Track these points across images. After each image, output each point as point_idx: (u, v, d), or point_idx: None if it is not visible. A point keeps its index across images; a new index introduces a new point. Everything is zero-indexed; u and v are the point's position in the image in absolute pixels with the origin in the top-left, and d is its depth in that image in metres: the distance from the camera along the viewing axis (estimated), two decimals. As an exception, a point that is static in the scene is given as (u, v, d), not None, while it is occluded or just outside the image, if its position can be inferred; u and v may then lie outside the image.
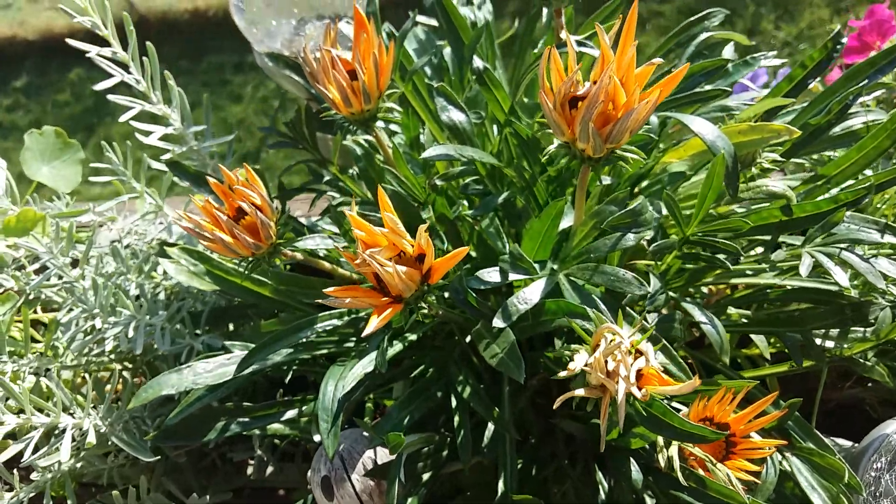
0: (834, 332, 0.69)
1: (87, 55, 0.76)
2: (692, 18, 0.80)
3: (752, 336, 0.75)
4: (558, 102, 0.47)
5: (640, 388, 0.43)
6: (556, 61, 0.47)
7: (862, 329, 0.67)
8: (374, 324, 0.50)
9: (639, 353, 0.45)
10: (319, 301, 0.52)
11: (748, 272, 0.72)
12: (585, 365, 0.43)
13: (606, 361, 0.43)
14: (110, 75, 0.76)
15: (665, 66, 0.80)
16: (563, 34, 0.66)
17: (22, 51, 5.80)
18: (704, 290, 0.84)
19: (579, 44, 0.63)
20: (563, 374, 0.44)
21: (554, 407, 0.43)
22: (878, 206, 0.77)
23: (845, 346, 0.66)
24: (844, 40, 0.74)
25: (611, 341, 0.44)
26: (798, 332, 0.66)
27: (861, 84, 0.74)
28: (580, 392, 0.44)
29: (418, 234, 0.52)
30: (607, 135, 0.47)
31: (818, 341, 0.67)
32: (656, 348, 0.47)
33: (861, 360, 0.67)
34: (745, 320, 0.73)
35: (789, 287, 0.70)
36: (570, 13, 0.77)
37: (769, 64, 0.76)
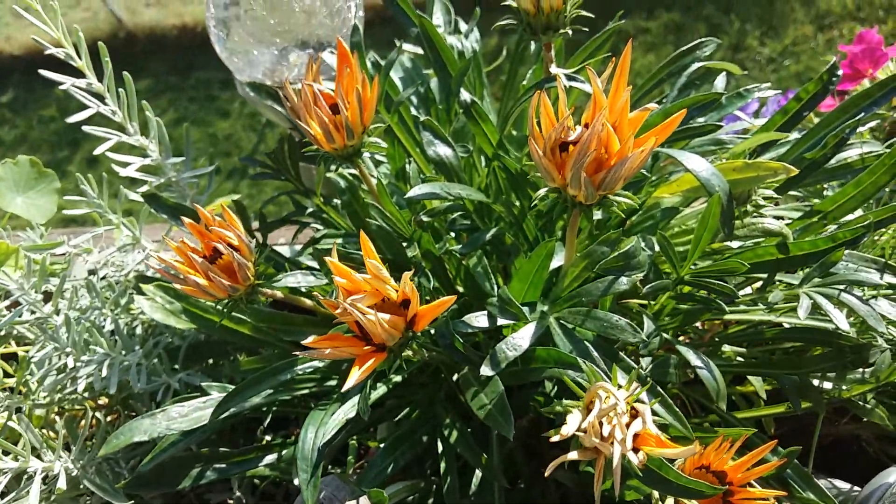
0: (832, 374, 0.66)
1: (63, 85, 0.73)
2: (683, 49, 0.78)
3: (750, 377, 0.73)
4: (548, 148, 0.45)
5: (636, 450, 0.41)
6: (546, 106, 0.45)
7: (860, 370, 0.65)
8: (355, 376, 0.48)
9: (634, 411, 0.43)
10: (297, 353, 0.49)
11: (755, 311, 0.70)
12: (578, 429, 0.41)
13: (601, 424, 0.41)
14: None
15: (657, 98, 0.79)
16: (553, 68, 0.64)
17: (8, 66, 5.75)
18: (699, 325, 0.81)
19: (569, 78, 0.61)
20: (555, 438, 0.41)
21: (546, 474, 0.41)
22: (876, 238, 0.75)
23: (844, 387, 0.64)
24: (840, 73, 0.72)
25: (605, 400, 0.42)
26: (795, 375, 0.64)
27: (857, 117, 0.72)
28: (573, 456, 0.42)
29: (403, 280, 0.50)
30: (600, 182, 0.45)
31: (816, 382, 0.65)
32: (652, 403, 0.45)
33: (860, 403, 0.65)
34: (740, 359, 0.71)
35: (786, 325, 0.68)
36: (560, 44, 0.75)
37: (763, 95, 0.74)
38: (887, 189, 0.68)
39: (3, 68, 5.79)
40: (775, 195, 0.69)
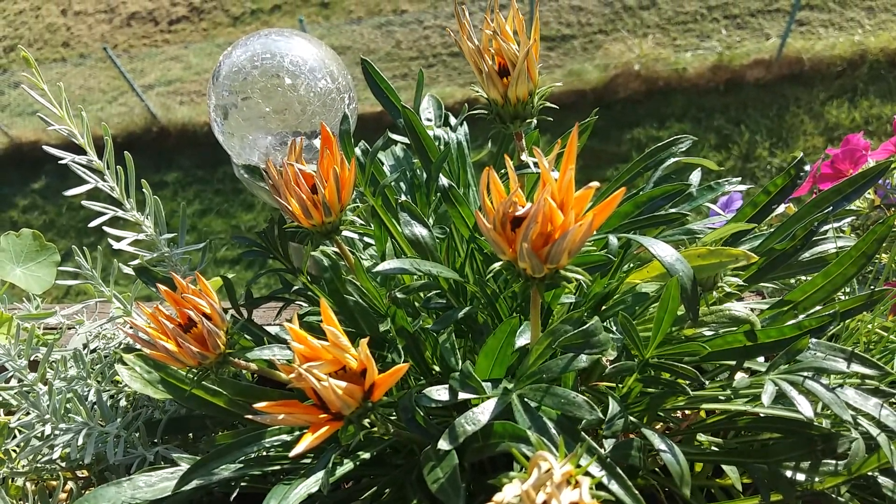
0: (805, 465, 0.65)
1: (61, 161, 0.78)
2: (660, 144, 0.82)
3: (724, 467, 0.71)
4: (497, 221, 0.47)
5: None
6: (495, 182, 0.47)
7: (833, 462, 0.64)
8: (305, 443, 0.48)
9: (576, 483, 0.42)
10: (249, 417, 0.50)
11: (720, 398, 0.69)
12: (514, 497, 0.41)
13: (537, 493, 0.40)
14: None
15: (633, 191, 0.82)
16: (524, 156, 0.67)
17: (43, 155, 6.03)
18: (677, 414, 0.81)
19: (536, 165, 0.64)
20: (488, 504, 0.41)
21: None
22: (854, 329, 0.75)
23: (816, 479, 0.63)
24: (807, 167, 0.75)
25: (544, 471, 0.42)
26: (765, 464, 0.63)
27: (826, 210, 0.74)
28: (510, 525, 0.41)
29: (360, 347, 0.51)
30: (546, 255, 0.46)
31: (789, 473, 0.64)
32: (594, 481, 0.44)
33: (833, 496, 0.63)
34: (715, 448, 0.70)
35: (761, 415, 0.68)
36: (535, 136, 0.79)
37: (733, 189, 0.77)
38: (856, 280, 0.69)
39: (39, 157, 6.07)
40: (744, 283, 0.70)
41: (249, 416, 0.50)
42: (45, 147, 0.75)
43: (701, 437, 0.73)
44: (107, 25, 7.31)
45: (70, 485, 0.85)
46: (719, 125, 5.06)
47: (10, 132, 6.17)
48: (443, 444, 0.54)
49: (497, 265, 0.51)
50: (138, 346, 0.86)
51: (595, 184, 0.45)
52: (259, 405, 0.50)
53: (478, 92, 0.67)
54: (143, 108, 5.96)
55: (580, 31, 5.77)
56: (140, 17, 7.23)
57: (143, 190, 0.83)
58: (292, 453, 0.47)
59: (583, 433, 0.57)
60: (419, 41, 6.03)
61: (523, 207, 0.47)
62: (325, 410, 0.53)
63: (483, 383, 0.57)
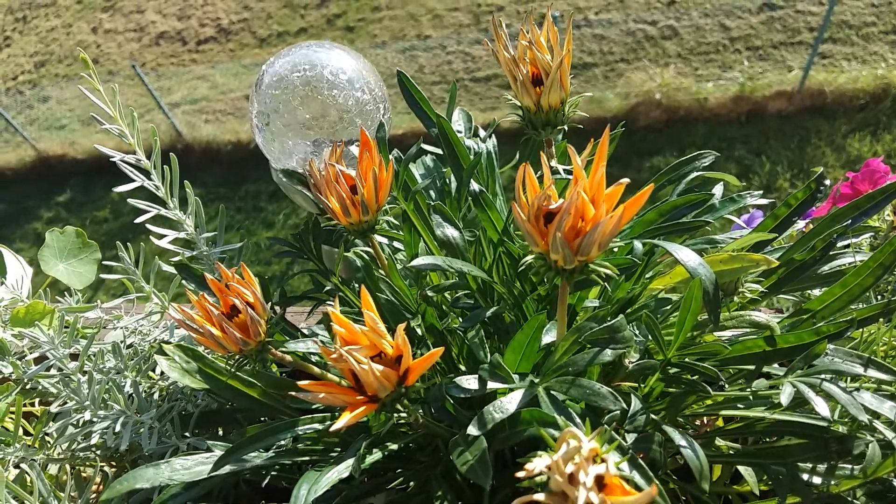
0: (822, 468, 0.67)
1: (113, 160, 0.82)
2: (684, 158, 0.85)
3: (741, 471, 0.73)
4: (532, 214, 0.50)
5: (599, 496, 0.43)
6: (531, 177, 0.50)
7: (850, 466, 0.65)
8: (345, 419, 0.51)
9: (602, 461, 0.45)
10: (292, 393, 0.53)
11: (739, 405, 0.71)
12: (544, 466, 0.43)
13: (566, 465, 0.43)
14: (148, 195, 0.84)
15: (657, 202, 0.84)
16: (553, 163, 0.70)
17: (70, 168, 6.16)
18: (697, 422, 0.82)
19: (566, 172, 0.67)
20: (520, 474, 0.43)
21: (510, 508, 0.43)
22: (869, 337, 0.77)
23: (832, 482, 0.64)
24: (828, 182, 0.77)
25: (573, 446, 0.44)
26: (782, 465, 0.65)
27: (845, 224, 0.76)
28: (540, 497, 0.44)
29: (397, 333, 0.54)
30: (577, 247, 0.49)
31: (805, 476, 0.65)
32: (619, 462, 0.47)
33: (849, 499, 0.65)
34: (731, 452, 0.72)
35: (777, 419, 0.69)
36: (563, 146, 0.82)
37: (755, 202, 0.79)
38: (872, 293, 0.71)
39: (65, 171, 6.20)
40: (765, 290, 0.72)
41: (293, 393, 0.53)
42: (96, 146, 0.79)
43: (719, 441, 0.74)
44: (136, 44, 7.49)
45: (106, 470, 0.88)
46: (740, 155, 5.08)
47: (38, 145, 6.31)
48: (472, 430, 0.56)
49: (529, 258, 0.53)
50: (173, 341, 0.90)
51: (626, 180, 0.48)
52: (302, 383, 0.52)
53: (499, 114, 0.70)
54: (168, 125, 6.08)
55: (602, 60, 5.83)
56: (169, 36, 7.41)
57: (185, 190, 0.87)
58: (333, 427, 0.50)
59: (605, 426, 0.59)
60: (442, 66, 6.12)
61: (556, 203, 0.50)
62: (362, 393, 0.56)
63: (511, 375, 0.60)
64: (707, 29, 5.82)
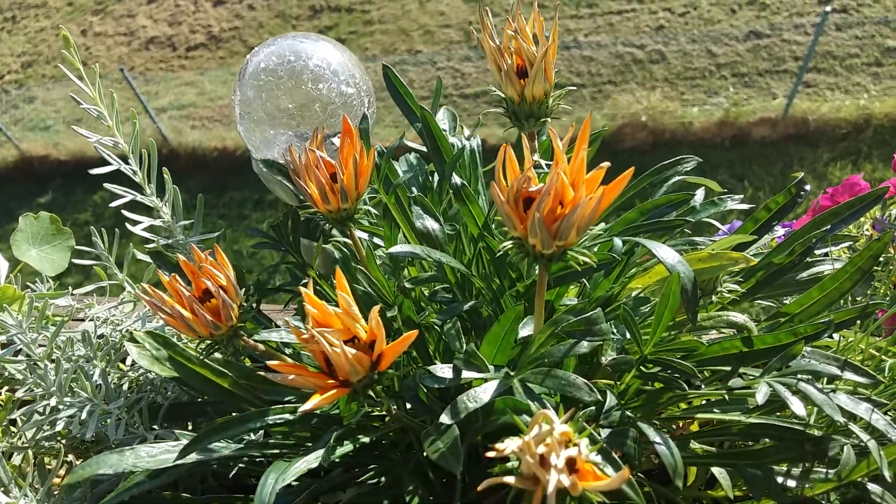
0: (797, 471, 0.66)
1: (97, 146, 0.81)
2: (666, 163, 0.85)
3: (717, 475, 0.72)
4: (511, 196, 0.49)
5: (570, 478, 0.42)
6: (511, 159, 0.50)
7: (825, 469, 0.65)
8: (314, 401, 0.50)
9: (574, 445, 0.44)
10: (262, 374, 0.52)
11: (715, 410, 0.71)
12: (516, 447, 0.42)
13: (537, 446, 0.42)
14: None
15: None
16: (536, 157, 0.70)
17: (52, 170, 6.10)
18: (673, 426, 0.82)
19: (548, 166, 0.67)
20: (490, 454, 0.42)
21: (478, 489, 0.42)
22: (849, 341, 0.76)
23: (807, 485, 0.64)
24: (808, 187, 0.78)
25: (545, 428, 0.43)
26: (757, 468, 0.64)
27: (824, 230, 0.76)
28: (510, 479, 0.43)
29: (371, 316, 0.53)
30: (556, 231, 0.49)
31: (780, 479, 0.65)
32: (593, 449, 0.46)
33: (823, 503, 0.64)
34: (705, 453, 0.71)
35: (753, 422, 0.69)
36: (546, 144, 0.82)
37: (736, 207, 0.79)
38: (849, 294, 0.71)
39: (47, 172, 6.14)
40: (744, 292, 0.72)
41: (262, 374, 0.51)
42: (73, 128, 0.78)
43: (695, 444, 0.74)
44: (125, 48, 7.46)
45: (71, 460, 0.86)
46: (723, 180, 5.12)
47: (21, 146, 6.25)
48: (444, 419, 0.55)
49: (508, 243, 0.53)
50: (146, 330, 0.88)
51: (606, 164, 0.47)
52: (272, 363, 0.51)
53: (486, 132, 0.70)
54: (154, 129, 6.05)
55: (590, 81, 5.88)
56: (159, 41, 7.39)
57: (164, 177, 0.85)
58: (301, 409, 0.49)
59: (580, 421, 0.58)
60: (431, 81, 6.14)
61: (536, 186, 0.49)
62: (333, 377, 0.54)
63: (486, 365, 0.59)
64: (694, 54, 5.89)
